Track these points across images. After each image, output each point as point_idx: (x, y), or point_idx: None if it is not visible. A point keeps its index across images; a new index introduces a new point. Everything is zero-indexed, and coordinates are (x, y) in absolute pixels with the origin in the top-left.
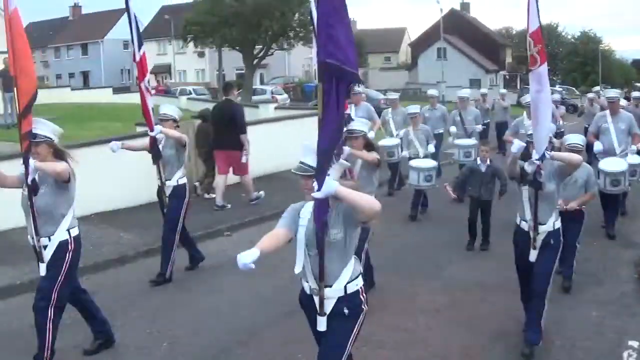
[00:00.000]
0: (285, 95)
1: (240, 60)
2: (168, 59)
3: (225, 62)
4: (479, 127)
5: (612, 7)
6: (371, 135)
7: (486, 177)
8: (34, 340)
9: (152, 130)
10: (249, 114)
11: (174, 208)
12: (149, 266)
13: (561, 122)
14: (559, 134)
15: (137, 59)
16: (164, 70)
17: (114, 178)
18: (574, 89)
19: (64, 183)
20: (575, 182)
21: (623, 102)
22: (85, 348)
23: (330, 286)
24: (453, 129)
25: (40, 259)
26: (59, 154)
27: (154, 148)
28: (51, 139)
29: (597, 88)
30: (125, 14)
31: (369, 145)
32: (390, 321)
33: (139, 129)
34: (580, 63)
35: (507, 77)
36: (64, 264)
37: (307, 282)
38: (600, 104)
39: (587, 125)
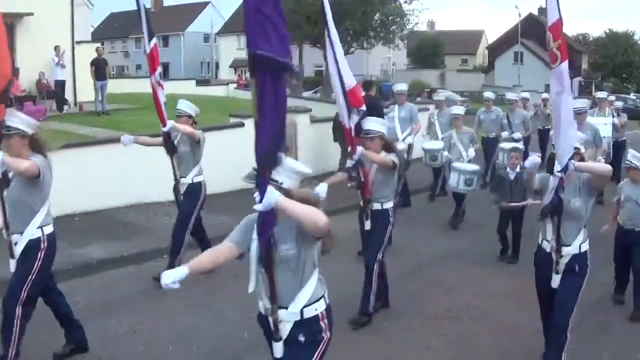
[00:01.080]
0: (364, 94)
1: (319, 57)
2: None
3: (305, 58)
4: (519, 135)
5: None
6: (409, 140)
7: (516, 185)
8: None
9: (164, 125)
10: (330, 110)
11: (187, 205)
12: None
13: (621, 131)
14: (619, 144)
15: (148, 51)
16: (243, 65)
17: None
18: None
19: (35, 179)
20: (636, 200)
21: None
22: (55, 352)
23: (286, 308)
24: (505, 134)
25: (10, 254)
26: (36, 147)
27: (167, 143)
28: (24, 131)
29: None
30: (206, 8)
31: (388, 147)
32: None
33: (232, 120)
34: None
35: (583, 83)
36: (35, 263)
37: (262, 300)
38: None
39: None
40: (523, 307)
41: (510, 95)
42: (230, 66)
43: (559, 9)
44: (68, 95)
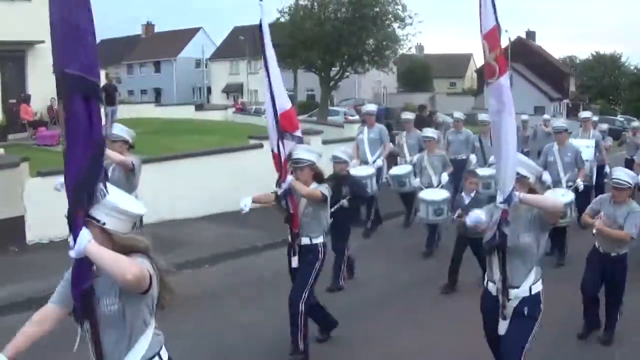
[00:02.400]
0: (357, 116)
1: (311, 81)
2: (240, 79)
3: (298, 83)
4: (493, 158)
5: None
6: (379, 162)
7: (469, 210)
8: None
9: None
10: (334, 133)
11: None
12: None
13: (604, 157)
14: (601, 167)
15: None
16: (236, 90)
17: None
18: (635, 118)
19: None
20: (615, 221)
21: None
22: None
23: None
24: (473, 157)
25: None
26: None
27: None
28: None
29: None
30: (197, 34)
31: (319, 177)
32: None
33: (252, 142)
34: None
35: (570, 105)
36: None
37: None
38: None
39: (628, 157)
40: None
41: (483, 117)
42: (223, 91)
43: (495, 14)
44: None
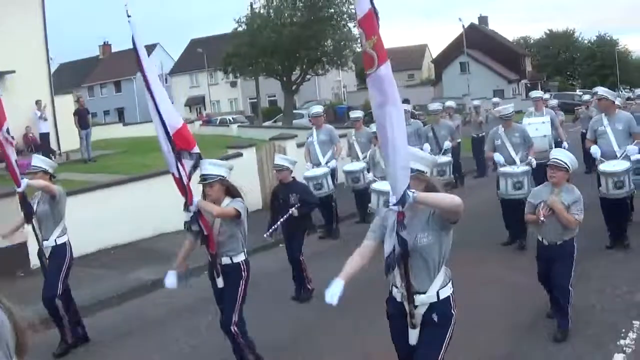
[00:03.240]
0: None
1: (272, 87)
2: (201, 91)
3: (259, 90)
4: (448, 144)
5: (626, 9)
6: (332, 163)
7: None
8: None
9: (18, 185)
10: (305, 136)
11: (53, 271)
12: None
13: (561, 133)
14: (559, 143)
15: None
16: (198, 102)
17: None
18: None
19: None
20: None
21: (618, 101)
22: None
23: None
24: (427, 146)
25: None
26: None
27: (24, 206)
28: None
29: (596, 89)
30: (154, 50)
31: (231, 192)
32: None
33: (230, 151)
34: (599, 66)
35: (529, 85)
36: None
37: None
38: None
39: (583, 131)
40: None
41: (433, 106)
42: (185, 104)
43: None
44: (53, 146)
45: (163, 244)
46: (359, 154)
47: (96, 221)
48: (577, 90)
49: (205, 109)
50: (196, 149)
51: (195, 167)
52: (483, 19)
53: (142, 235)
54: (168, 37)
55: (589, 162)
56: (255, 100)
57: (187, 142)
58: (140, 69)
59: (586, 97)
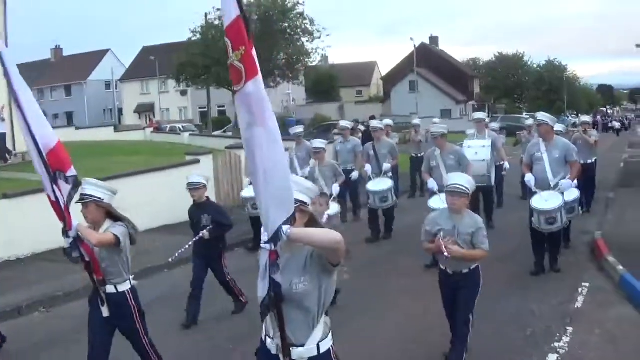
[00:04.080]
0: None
1: (222, 97)
2: (151, 98)
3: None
4: (388, 166)
5: (577, 35)
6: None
7: None
8: None
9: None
10: None
11: None
12: None
13: (503, 155)
14: (499, 167)
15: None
16: (148, 109)
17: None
18: (531, 116)
19: None
20: (458, 236)
21: (559, 127)
22: None
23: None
24: (368, 167)
25: None
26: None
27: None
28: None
29: (540, 114)
30: (106, 56)
31: (112, 215)
32: None
33: (188, 158)
34: (547, 91)
35: (477, 106)
36: None
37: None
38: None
39: (523, 156)
40: None
41: (374, 124)
42: (135, 111)
43: (239, 4)
44: (9, 146)
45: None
46: (298, 169)
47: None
48: (524, 114)
49: (154, 117)
50: (72, 171)
51: (74, 189)
52: (434, 39)
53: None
54: (119, 44)
55: (526, 189)
56: (205, 109)
57: (62, 163)
58: (10, 86)
59: (529, 121)
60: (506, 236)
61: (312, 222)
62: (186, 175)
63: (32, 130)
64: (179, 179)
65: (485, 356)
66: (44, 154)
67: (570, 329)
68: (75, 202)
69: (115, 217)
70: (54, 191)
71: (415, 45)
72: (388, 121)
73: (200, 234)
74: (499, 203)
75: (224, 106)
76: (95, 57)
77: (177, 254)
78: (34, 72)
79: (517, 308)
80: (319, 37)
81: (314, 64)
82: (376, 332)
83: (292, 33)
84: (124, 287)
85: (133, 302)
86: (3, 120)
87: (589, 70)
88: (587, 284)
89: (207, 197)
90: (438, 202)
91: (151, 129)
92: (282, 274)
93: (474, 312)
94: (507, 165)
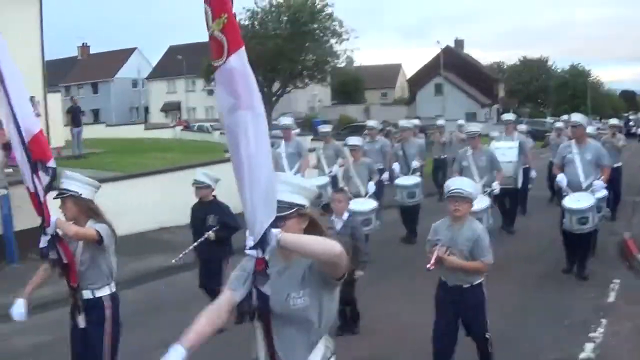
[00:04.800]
0: (299, 129)
1: None
2: (178, 97)
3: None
4: (416, 163)
5: (600, 40)
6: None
7: (344, 239)
8: None
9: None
10: None
11: None
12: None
13: (530, 158)
14: (526, 170)
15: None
16: (174, 108)
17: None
18: (560, 118)
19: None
20: (456, 246)
21: (591, 129)
22: None
23: None
24: (396, 166)
25: None
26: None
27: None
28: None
29: (565, 117)
30: (133, 54)
31: (94, 212)
32: None
33: (227, 155)
34: (570, 96)
35: (501, 110)
36: None
37: None
38: (569, 136)
39: (552, 159)
40: None
41: (403, 124)
42: (162, 110)
43: None
44: None
45: (169, 235)
46: (325, 168)
47: (118, 209)
48: (548, 118)
49: (181, 115)
50: (52, 163)
51: (51, 182)
52: (459, 42)
53: (147, 228)
54: (146, 42)
55: (554, 190)
56: None
57: (43, 153)
58: None
59: (559, 124)
60: (534, 237)
61: (313, 227)
62: (223, 173)
63: (14, 112)
64: (218, 175)
65: (529, 343)
66: (26, 140)
67: (604, 321)
68: (53, 198)
69: (97, 215)
70: (33, 182)
71: (442, 48)
72: (416, 122)
73: (206, 235)
74: (522, 210)
75: None
76: (122, 55)
77: (181, 255)
78: (61, 70)
79: (552, 302)
80: (347, 39)
81: (341, 65)
82: (402, 340)
83: (322, 34)
84: (103, 292)
85: (110, 310)
86: (38, 115)
87: (612, 75)
88: (617, 281)
89: (214, 197)
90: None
91: (180, 127)
92: (278, 287)
93: (489, 333)
94: (533, 173)
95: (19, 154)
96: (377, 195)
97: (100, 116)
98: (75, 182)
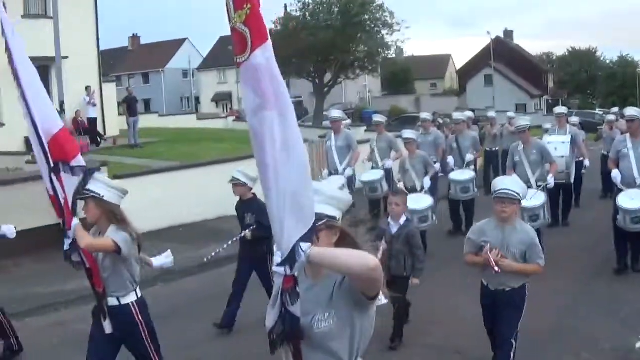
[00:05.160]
0: (350, 121)
1: (300, 88)
2: (228, 87)
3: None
4: (470, 157)
5: None
6: (348, 172)
7: (398, 243)
8: None
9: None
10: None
11: None
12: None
13: (584, 151)
14: (579, 164)
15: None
16: (225, 98)
17: None
18: (611, 110)
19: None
20: (507, 250)
21: None
22: None
23: None
24: (450, 159)
25: None
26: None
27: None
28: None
29: (616, 109)
30: (183, 44)
31: (117, 218)
32: None
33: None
34: (619, 87)
35: (550, 101)
36: None
37: None
38: (621, 128)
39: (605, 153)
40: None
41: (456, 115)
42: (212, 100)
43: None
44: (99, 130)
45: (227, 225)
46: (379, 160)
47: (165, 200)
48: (597, 109)
49: (232, 105)
50: (79, 161)
51: (84, 181)
52: (508, 33)
53: (206, 217)
54: (196, 33)
55: (607, 185)
56: None
57: (64, 152)
58: (11, 61)
59: (610, 117)
60: (587, 230)
61: (345, 241)
62: None
63: (32, 112)
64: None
65: (584, 334)
66: (45, 141)
67: None
68: (75, 198)
69: (120, 221)
70: (52, 183)
71: (492, 39)
72: (469, 114)
73: (242, 234)
74: (576, 203)
75: (300, 97)
76: (172, 46)
77: (213, 254)
78: (112, 60)
79: (606, 293)
80: (399, 30)
81: (392, 56)
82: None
83: (373, 26)
84: (129, 299)
85: (140, 316)
86: (94, 105)
87: None
88: None
89: (254, 194)
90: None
91: (233, 118)
92: (302, 306)
93: (518, 334)
94: (587, 162)
95: (36, 152)
96: (432, 190)
97: (151, 106)
98: (100, 184)
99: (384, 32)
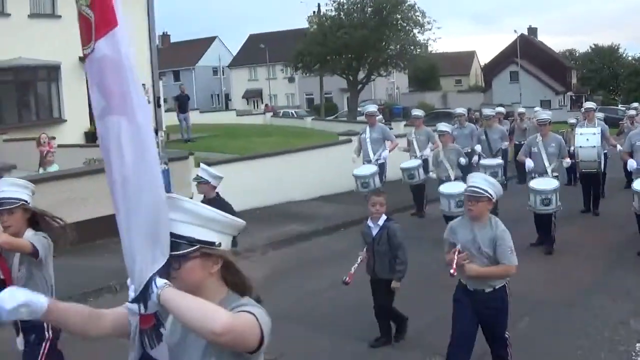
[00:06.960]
0: (381, 116)
1: (329, 85)
2: (259, 84)
3: (315, 87)
4: (505, 144)
5: None
6: (385, 154)
7: (379, 245)
8: None
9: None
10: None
11: None
12: None
13: (612, 141)
14: (605, 159)
15: None
16: (256, 95)
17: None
18: (633, 105)
19: None
20: (479, 249)
21: None
22: None
23: None
24: (478, 147)
25: None
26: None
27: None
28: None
29: (636, 104)
30: (213, 43)
31: (34, 222)
32: None
33: (341, 138)
34: None
35: (574, 97)
36: None
37: None
38: None
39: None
40: None
41: (486, 111)
42: (243, 97)
43: None
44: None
45: (296, 208)
46: (417, 151)
47: (248, 186)
48: (619, 105)
49: (262, 102)
50: None
51: None
52: (532, 30)
53: (279, 200)
54: (226, 31)
55: (629, 176)
56: (312, 96)
57: None
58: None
59: (631, 112)
60: (610, 218)
61: (228, 270)
62: (342, 153)
63: None
64: (335, 154)
65: (601, 315)
66: None
67: None
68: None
69: (39, 224)
70: None
71: (518, 36)
72: (500, 109)
73: None
74: (601, 192)
75: (330, 93)
76: (202, 44)
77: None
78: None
79: (625, 279)
80: (430, 29)
81: (422, 54)
82: None
83: (405, 25)
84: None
85: (48, 332)
86: (149, 102)
87: None
88: None
89: (217, 194)
90: None
91: (271, 113)
92: (177, 353)
93: (509, 335)
94: (619, 147)
95: None
96: (464, 179)
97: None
98: (22, 189)
99: (415, 30)
